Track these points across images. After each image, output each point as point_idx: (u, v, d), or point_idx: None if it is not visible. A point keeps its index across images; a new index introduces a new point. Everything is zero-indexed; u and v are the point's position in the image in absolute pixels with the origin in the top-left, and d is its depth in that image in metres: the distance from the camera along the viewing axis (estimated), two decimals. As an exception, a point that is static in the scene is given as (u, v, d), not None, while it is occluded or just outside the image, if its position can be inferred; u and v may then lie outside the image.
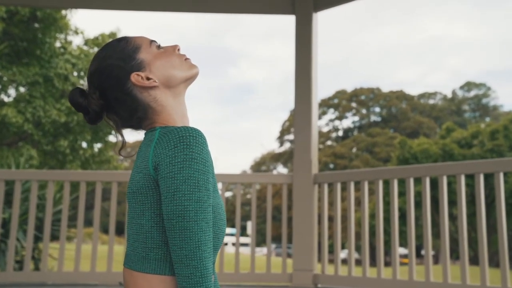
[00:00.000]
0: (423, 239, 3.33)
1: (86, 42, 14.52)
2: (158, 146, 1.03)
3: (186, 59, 1.22)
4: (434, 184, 8.14)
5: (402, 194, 13.40)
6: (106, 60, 1.16)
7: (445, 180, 3.23)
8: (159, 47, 1.21)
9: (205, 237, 0.97)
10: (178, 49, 1.22)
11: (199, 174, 0.99)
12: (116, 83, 1.14)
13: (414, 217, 3.38)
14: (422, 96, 38.10)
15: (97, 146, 14.49)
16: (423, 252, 24.70)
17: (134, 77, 1.14)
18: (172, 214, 0.97)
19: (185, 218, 0.96)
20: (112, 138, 14.35)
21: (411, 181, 3.38)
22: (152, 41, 1.21)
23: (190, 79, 1.21)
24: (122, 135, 1.20)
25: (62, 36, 13.94)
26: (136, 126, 1.18)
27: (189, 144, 1.00)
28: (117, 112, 1.17)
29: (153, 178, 1.02)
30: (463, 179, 3.20)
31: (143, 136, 1.19)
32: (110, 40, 1.21)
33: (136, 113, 1.15)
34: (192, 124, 1.20)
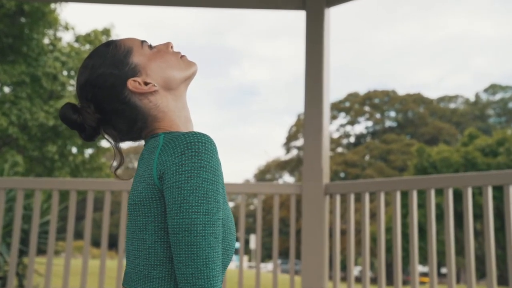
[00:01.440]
0: (444, 256, 3.30)
1: (77, 39, 14.58)
2: (163, 153, 1.02)
3: (182, 56, 1.21)
4: (455, 197, 8.10)
5: (420, 206, 13.37)
6: (96, 69, 1.15)
7: (470, 192, 3.21)
8: (151, 47, 1.20)
9: (214, 253, 0.96)
10: (171, 47, 1.21)
11: (208, 184, 0.98)
12: (112, 93, 1.13)
13: (436, 232, 3.35)
14: (442, 99, 38.06)
15: (88, 152, 14.51)
16: (444, 270, 24.63)
17: (131, 84, 1.13)
18: (178, 228, 0.95)
19: (192, 233, 0.95)
20: (104, 143, 14.37)
21: (432, 192, 3.36)
22: (143, 42, 1.20)
23: (189, 78, 1.20)
24: (120, 153, 1.19)
25: (51, 32, 14.00)
26: (136, 138, 1.18)
27: (198, 151, 0.98)
28: (115, 125, 1.16)
29: (158, 188, 1.01)
30: (490, 191, 3.18)
31: (144, 142, 1.18)
32: (97, 47, 1.19)
33: (135, 123, 1.14)
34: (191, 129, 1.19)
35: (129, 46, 1.18)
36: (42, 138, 13.21)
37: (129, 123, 1.14)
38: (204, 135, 1.01)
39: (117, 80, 1.13)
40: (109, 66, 1.14)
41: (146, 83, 1.14)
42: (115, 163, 1.21)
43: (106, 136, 1.19)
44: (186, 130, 1.17)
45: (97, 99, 1.14)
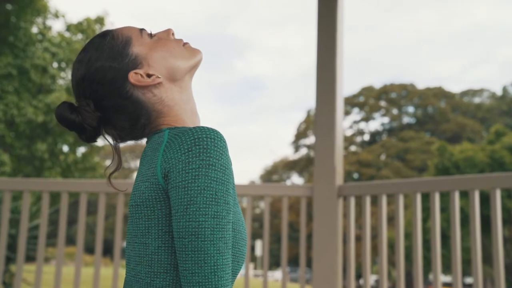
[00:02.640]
0: (469, 265, 3.28)
1: (68, 28, 14.61)
2: (168, 150, 1.01)
3: (185, 44, 1.21)
4: (481, 199, 8.07)
5: (442, 210, 13.32)
6: (93, 63, 1.14)
7: (498, 194, 3.19)
8: (150, 35, 1.20)
9: (223, 260, 0.95)
10: (173, 34, 1.21)
11: (218, 184, 0.97)
12: (113, 88, 1.13)
13: (460, 238, 3.34)
14: (465, 93, 37.94)
15: (81, 150, 14.54)
16: (469, 280, 24.54)
17: (133, 77, 1.13)
18: (184, 231, 0.95)
19: (200, 237, 0.94)
20: (98, 141, 14.41)
21: (456, 194, 3.34)
22: (141, 30, 1.20)
23: (195, 67, 1.20)
24: (119, 156, 1.19)
25: (39, 20, 14.04)
26: (138, 136, 1.17)
27: (206, 147, 0.98)
28: (116, 123, 1.16)
29: (162, 188, 1.01)
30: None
31: (146, 139, 1.17)
32: (91, 38, 1.19)
33: (139, 120, 1.14)
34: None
35: (128, 35, 1.17)
36: (30, 135, 13.26)
37: (132, 120, 1.14)
38: (213, 130, 1.01)
39: (117, 73, 1.13)
40: (107, 59, 1.14)
41: (149, 75, 1.14)
42: (111, 167, 1.20)
43: (106, 136, 1.19)
44: (193, 124, 1.17)
45: (96, 96, 1.14)
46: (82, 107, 1.14)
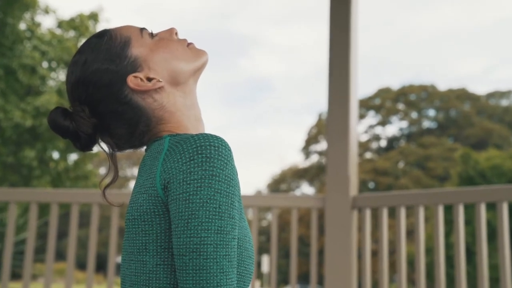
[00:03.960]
0: (497, 283, 3.27)
1: (60, 24, 14.69)
2: (169, 158, 1.01)
3: (189, 44, 1.21)
4: (510, 212, 8.06)
5: (467, 223, 13.27)
6: (90, 65, 1.15)
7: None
8: (152, 35, 1.20)
9: (227, 280, 0.95)
10: (176, 33, 1.21)
11: (222, 197, 0.97)
12: (110, 92, 1.14)
13: (487, 254, 3.32)
14: (491, 95, 37.86)
15: (72, 157, 14.58)
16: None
17: (132, 81, 1.13)
18: (185, 248, 0.94)
19: (202, 254, 0.94)
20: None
21: (482, 207, 3.33)
22: (142, 29, 1.21)
23: (199, 70, 1.20)
24: (116, 167, 1.19)
25: (28, 16, 14.10)
26: (137, 145, 1.18)
27: (210, 156, 0.98)
28: (112, 131, 1.16)
29: (162, 201, 1.01)
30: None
31: (145, 147, 1.17)
32: (88, 38, 1.20)
33: (137, 127, 1.14)
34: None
35: (127, 36, 1.18)
36: (18, 141, 13.31)
37: (130, 127, 1.15)
38: (217, 138, 1.01)
39: (115, 77, 1.14)
40: (104, 60, 1.15)
41: (149, 79, 1.14)
42: (106, 179, 1.20)
43: (101, 146, 1.19)
44: (197, 132, 1.17)
45: (92, 101, 1.14)
46: (76, 112, 1.15)
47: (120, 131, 1.15)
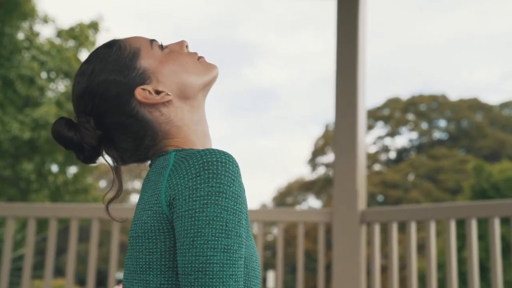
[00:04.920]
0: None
1: (59, 34, 14.74)
2: (174, 174, 1.01)
3: (199, 58, 1.22)
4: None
5: (480, 238, 13.20)
6: (97, 75, 1.15)
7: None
8: (161, 47, 1.21)
9: None
10: (186, 46, 1.22)
11: (229, 214, 0.96)
12: (117, 104, 1.14)
13: (502, 270, 3.31)
14: (505, 105, 37.79)
15: (72, 170, 14.59)
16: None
17: (140, 93, 1.13)
18: (190, 267, 0.94)
19: (207, 274, 0.93)
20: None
21: (496, 221, 3.32)
22: (152, 41, 1.21)
23: (209, 84, 1.21)
24: (120, 181, 1.19)
25: (27, 25, 14.16)
26: (142, 159, 1.18)
27: (217, 173, 0.98)
28: (117, 144, 1.17)
29: (167, 218, 1.01)
30: None
31: (149, 162, 1.17)
32: (95, 49, 1.20)
33: (143, 141, 1.14)
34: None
35: (136, 47, 1.18)
36: (15, 154, 13.33)
37: (136, 140, 1.15)
38: (224, 153, 1.01)
39: (123, 88, 1.14)
40: (112, 71, 1.15)
41: (157, 92, 1.15)
42: (110, 193, 1.20)
43: (105, 157, 1.20)
44: (203, 147, 1.17)
45: (98, 112, 1.15)
46: (81, 124, 1.15)
47: (125, 145, 1.16)
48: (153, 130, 1.14)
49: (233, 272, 0.94)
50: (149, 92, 1.14)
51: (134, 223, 1.07)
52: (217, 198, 0.96)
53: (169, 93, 1.15)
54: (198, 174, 0.97)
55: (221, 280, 0.93)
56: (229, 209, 0.96)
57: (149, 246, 1.02)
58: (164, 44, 1.23)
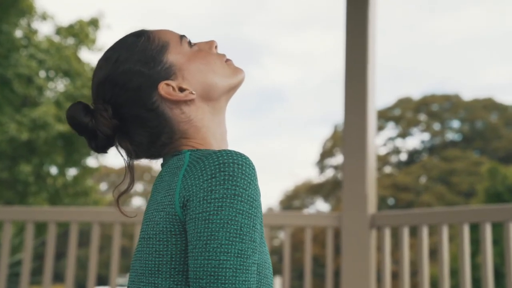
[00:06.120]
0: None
1: (58, 31, 14.76)
2: (189, 175, 1.01)
3: (227, 60, 1.23)
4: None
5: (495, 243, 13.17)
6: (121, 64, 1.16)
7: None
8: (190, 44, 1.22)
9: None
10: (216, 47, 1.23)
11: (244, 218, 0.97)
12: (138, 96, 1.15)
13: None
14: (519, 105, 37.69)
15: (71, 172, 14.60)
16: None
17: (163, 88, 1.14)
18: (202, 271, 0.94)
19: (219, 279, 0.93)
20: (91, 162, 14.45)
21: (511, 226, 3.32)
22: (182, 37, 1.22)
23: (234, 88, 1.22)
24: (132, 175, 1.19)
25: (24, 22, 14.19)
26: (155, 155, 1.18)
27: (233, 175, 0.98)
28: (132, 137, 1.17)
29: (179, 219, 1.01)
30: None
31: (161, 162, 1.17)
32: (123, 36, 1.21)
33: (159, 137, 1.15)
34: None
35: (165, 40, 1.19)
36: (13, 155, 13.35)
37: (152, 136, 1.15)
38: (241, 155, 1.01)
39: (146, 80, 1.14)
40: (137, 62, 1.15)
41: (181, 89, 1.15)
42: (119, 188, 1.20)
43: (119, 149, 1.20)
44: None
45: (117, 101, 1.15)
46: (98, 111, 1.16)
47: (140, 139, 1.16)
48: (171, 127, 1.14)
49: (246, 278, 0.94)
50: (173, 88, 1.14)
51: (146, 224, 1.07)
52: (232, 201, 0.96)
53: (193, 92, 1.15)
54: (213, 176, 0.98)
55: (233, 285, 0.93)
56: (244, 212, 0.97)
57: (159, 248, 1.02)
58: (194, 42, 1.23)
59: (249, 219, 0.97)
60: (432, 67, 51.77)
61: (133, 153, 1.19)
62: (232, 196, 0.96)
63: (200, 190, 0.98)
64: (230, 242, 0.94)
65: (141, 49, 1.16)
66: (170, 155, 1.14)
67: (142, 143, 1.16)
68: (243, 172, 0.99)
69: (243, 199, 0.97)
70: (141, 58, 1.15)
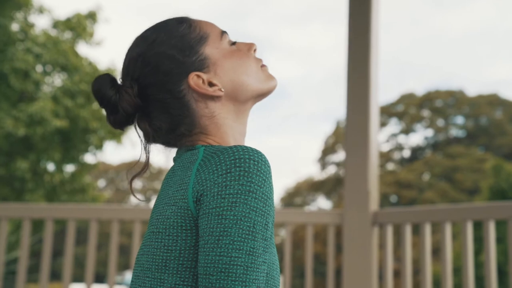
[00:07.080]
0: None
1: (55, 25, 14.73)
2: (203, 169, 1.01)
3: (263, 66, 1.23)
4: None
5: (498, 241, 13.16)
6: (157, 45, 1.17)
7: None
8: (230, 42, 1.22)
9: None
10: (254, 50, 1.23)
11: (257, 216, 0.97)
12: (166, 80, 1.15)
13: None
14: (525, 101, 37.67)
15: (69, 169, 14.59)
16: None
17: (193, 79, 1.14)
18: (213, 267, 0.94)
19: (230, 276, 0.93)
20: (89, 158, 14.44)
21: (515, 223, 3.32)
22: (223, 32, 1.23)
23: (264, 95, 1.22)
24: (148, 158, 1.19)
25: (21, 15, 14.17)
26: (172, 143, 1.18)
27: (248, 171, 0.98)
28: (153, 121, 1.17)
29: (191, 214, 1.01)
30: None
31: (174, 156, 1.17)
32: (166, 19, 1.21)
33: (179, 126, 1.15)
34: None
35: (206, 32, 1.20)
36: (9, 151, 13.35)
37: (172, 124, 1.15)
38: (257, 152, 1.01)
39: (178, 67, 1.15)
40: (174, 47, 1.16)
41: (211, 84, 1.15)
42: (134, 170, 1.20)
43: (137, 129, 1.20)
44: None
45: (145, 81, 1.16)
46: (124, 87, 1.16)
47: (159, 123, 1.16)
48: (192, 119, 1.14)
49: (256, 277, 0.94)
50: (203, 81, 1.15)
51: (156, 218, 1.06)
52: (246, 197, 0.96)
53: (222, 89, 1.15)
54: (228, 171, 0.98)
55: (244, 284, 0.93)
56: (258, 210, 0.96)
57: (168, 243, 1.02)
58: (235, 41, 1.24)
59: (262, 217, 0.97)
60: (436, 62, 51.74)
61: (151, 137, 1.18)
62: (247, 192, 0.96)
63: (214, 185, 0.98)
64: (243, 239, 0.94)
65: (180, 35, 1.17)
66: (184, 150, 1.14)
67: (160, 128, 1.16)
68: (259, 168, 0.98)
69: (257, 196, 0.97)
70: (178, 44, 1.16)
